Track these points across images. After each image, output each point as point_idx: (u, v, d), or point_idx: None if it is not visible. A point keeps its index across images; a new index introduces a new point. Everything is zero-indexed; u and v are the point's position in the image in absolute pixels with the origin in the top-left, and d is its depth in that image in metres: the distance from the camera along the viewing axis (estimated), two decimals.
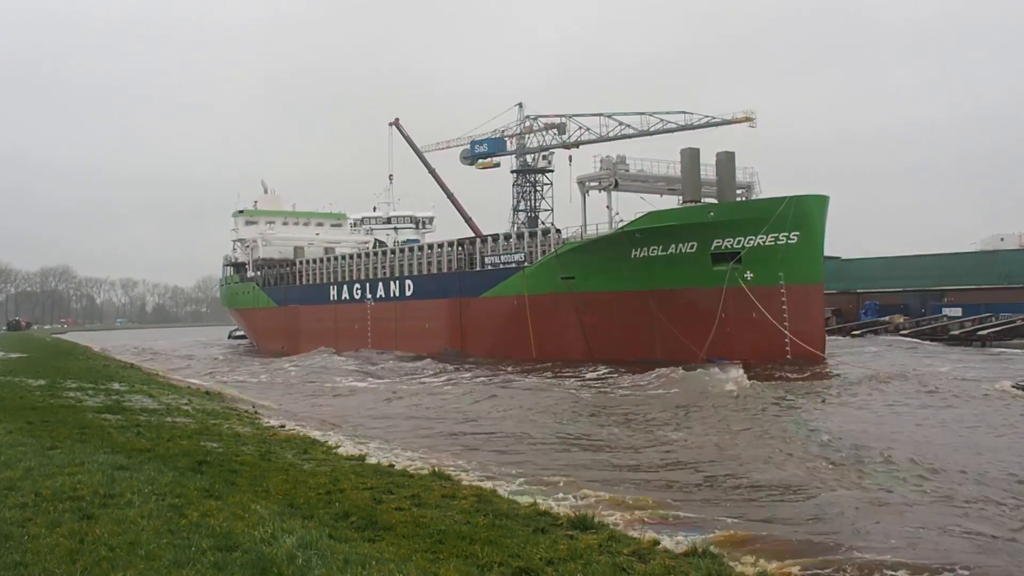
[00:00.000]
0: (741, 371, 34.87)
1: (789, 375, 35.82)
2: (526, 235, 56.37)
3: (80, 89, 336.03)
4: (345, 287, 70.69)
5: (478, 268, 58.09)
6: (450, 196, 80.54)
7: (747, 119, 61.56)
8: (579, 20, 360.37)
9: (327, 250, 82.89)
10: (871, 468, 15.95)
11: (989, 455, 17.46)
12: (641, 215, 46.07)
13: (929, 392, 28.44)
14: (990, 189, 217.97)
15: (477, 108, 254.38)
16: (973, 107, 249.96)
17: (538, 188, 75.87)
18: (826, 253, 45.12)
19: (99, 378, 30.04)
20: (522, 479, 14.87)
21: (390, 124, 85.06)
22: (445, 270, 61.12)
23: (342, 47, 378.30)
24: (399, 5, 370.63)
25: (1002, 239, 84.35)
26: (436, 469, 13.85)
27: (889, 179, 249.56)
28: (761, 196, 51.77)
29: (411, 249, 67.10)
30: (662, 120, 63.25)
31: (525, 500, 11.59)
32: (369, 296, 67.37)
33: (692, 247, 43.25)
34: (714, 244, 42.63)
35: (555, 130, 70.79)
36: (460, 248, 60.87)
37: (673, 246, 43.81)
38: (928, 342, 57.17)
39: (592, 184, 51.61)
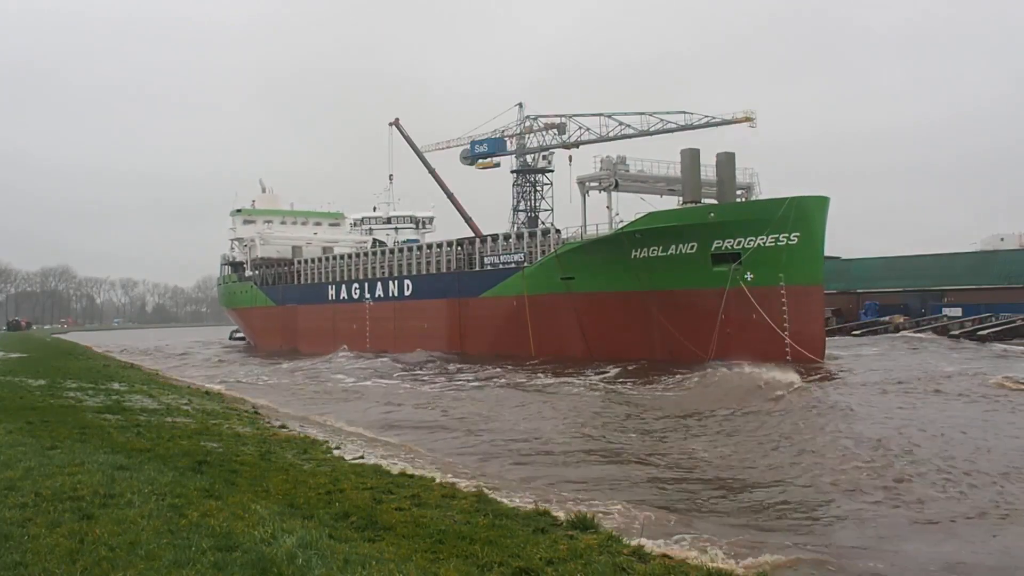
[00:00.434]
0: (795, 374, 33.13)
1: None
2: (526, 235, 56.36)
3: (80, 89, 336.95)
4: (343, 287, 70.66)
5: (477, 268, 58.07)
6: (450, 196, 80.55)
7: (747, 119, 61.50)
8: (578, 20, 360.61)
9: (325, 249, 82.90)
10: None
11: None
12: (641, 215, 46.07)
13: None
14: (989, 189, 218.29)
15: (477, 108, 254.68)
16: (972, 107, 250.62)
17: (538, 188, 75.86)
18: (826, 253, 45.12)
19: (99, 378, 30.04)
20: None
21: (390, 124, 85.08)
22: (444, 270, 61.10)
23: (341, 47, 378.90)
24: (398, 5, 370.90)
25: (1002, 239, 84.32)
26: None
27: (888, 179, 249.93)
28: (761, 197, 51.81)
29: (410, 249, 67.07)
30: (662, 120, 63.22)
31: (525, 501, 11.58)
32: (368, 296, 67.35)
33: (692, 248, 43.25)
34: (714, 245, 42.63)
35: (555, 130, 70.73)
36: (459, 248, 60.85)
37: (673, 247, 43.81)
38: (949, 339, 56.69)
39: (592, 184, 51.63)
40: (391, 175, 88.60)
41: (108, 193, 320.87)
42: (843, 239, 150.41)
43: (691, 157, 47.27)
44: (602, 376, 37.91)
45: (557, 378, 37.51)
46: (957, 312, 67.68)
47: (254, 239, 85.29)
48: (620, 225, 47.69)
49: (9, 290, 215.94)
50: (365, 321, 66.91)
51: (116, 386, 26.87)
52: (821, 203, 41.99)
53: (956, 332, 58.70)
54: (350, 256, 72.79)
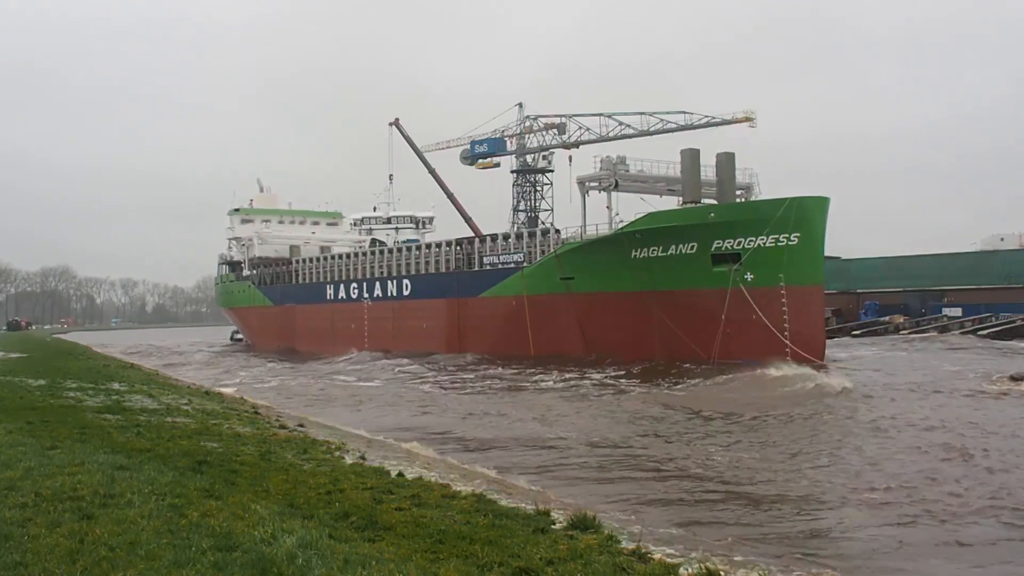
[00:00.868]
0: (845, 378, 32.11)
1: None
2: (525, 235, 56.36)
3: (80, 89, 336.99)
4: (342, 286, 70.66)
5: (476, 268, 58.07)
6: (450, 196, 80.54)
7: (747, 119, 61.50)
8: (578, 20, 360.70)
9: (323, 249, 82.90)
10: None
11: None
12: (641, 216, 46.08)
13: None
14: (989, 189, 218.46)
15: (477, 109, 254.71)
16: (973, 107, 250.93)
17: (538, 188, 75.85)
18: (826, 253, 45.14)
19: (99, 378, 30.04)
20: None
21: (390, 124, 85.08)
22: (443, 270, 61.10)
23: (341, 48, 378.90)
24: (398, 5, 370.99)
25: (1002, 239, 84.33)
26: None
27: (888, 179, 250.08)
28: (760, 197, 51.83)
29: (409, 248, 67.05)
30: (662, 120, 63.23)
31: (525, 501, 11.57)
32: (366, 296, 67.34)
33: (692, 248, 43.25)
34: (714, 245, 42.62)
35: (555, 130, 70.73)
36: (458, 248, 60.84)
37: (673, 247, 43.81)
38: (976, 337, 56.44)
39: (592, 184, 51.63)
40: (391, 175, 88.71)
41: (108, 193, 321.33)
42: (843, 239, 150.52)
43: (691, 157, 47.26)
44: (628, 378, 37.24)
45: (594, 379, 36.92)
46: (957, 312, 67.72)
47: (252, 238, 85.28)
48: (620, 225, 47.70)
49: (9, 290, 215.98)
50: (364, 321, 66.91)
51: (116, 386, 26.87)
52: (821, 203, 41.98)
53: (956, 332, 58.74)
54: (349, 256, 72.77)
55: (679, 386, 33.83)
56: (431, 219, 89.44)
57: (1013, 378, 29.44)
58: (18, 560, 6.92)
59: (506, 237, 57.89)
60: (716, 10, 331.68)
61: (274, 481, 11.29)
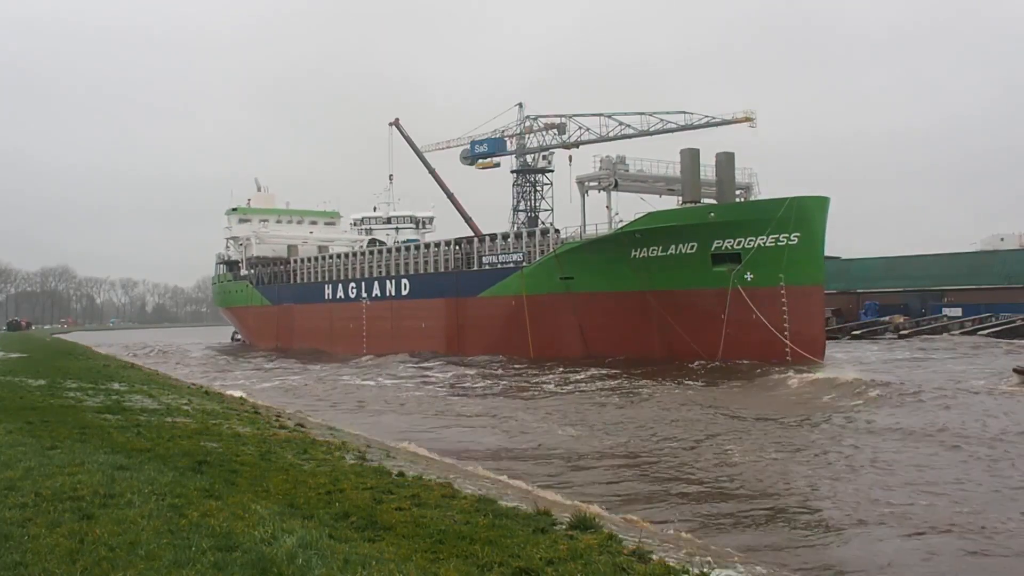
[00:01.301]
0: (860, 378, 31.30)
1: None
2: (524, 235, 56.35)
3: (79, 94, 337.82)
4: (340, 286, 70.62)
5: (476, 268, 58.04)
6: (450, 196, 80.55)
7: (747, 119, 61.50)
8: (578, 21, 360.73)
9: (321, 249, 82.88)
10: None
11: None
12: (641, 215, 46.09)
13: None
14: (988, 190, 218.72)
15: (476, 110, 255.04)
16: (973, 109, 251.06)
17: (538, 188, 75.87)
18: (826, 253, 45.15)
19: (99, 378, 30.01)
20: None
21: (390, 124, 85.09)
22: (442, 269, 61.07)
23: (340, 51, 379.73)
24: (397, 8, 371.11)
25: (1002, 239, 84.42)
26: None
27: (888, 180, 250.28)
28: (760, 197, 51.82)
29: (407, 248, 67.02)
30: (662, 120, 63.23)
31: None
32: (365, 295, 67.31)
33: (692, 248, 43.25)
34: (714, 245, 42.63)
35: (555, 130, 70.74)
36: (457, 247, 60.81)
37: (673, 247, 43.80)
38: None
39: (592, 184, 51.61)
40: (391, 175, 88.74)
41: (109, 195, 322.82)
42: (843, 239, 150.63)
43: (691, 157, 47.26)
44: (640, 378, 36.68)
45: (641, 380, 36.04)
46: (957, 312, 67.75)
47: (249, 238, 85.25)
48: (620, 225, 47.69)
49: (9, 290, 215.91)
50: (362, 321, 66.89)
51: (116, 386, 26.85)
52: (821, 203, 42.00)
53: (956, 332, 58.73)
54: (347, 255, 72.73)
55: (708, 387, 33.40)
56: (431, 219, 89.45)
57: (1016, 371, 29.39)
58: (18, 560, 6.91)
59: (505, 237, 57.87)
60: (715, 12, 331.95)
61: (274, 481, 11.28)
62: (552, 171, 75.75)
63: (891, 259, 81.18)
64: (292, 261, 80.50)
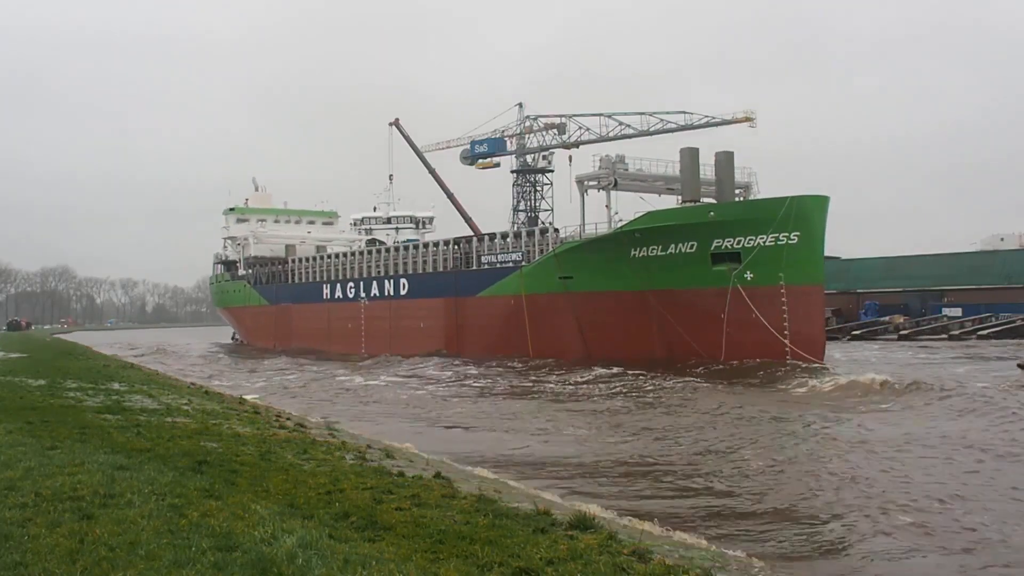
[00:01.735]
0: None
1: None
2: (524, 234, 56.32)
3: (80, 98, 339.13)
4: (338, 286, 70.57)
5: (475, 267, 58.01)
6: (450, 196, 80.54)
7: (747, 119, 61.46)
8: (578, 21, 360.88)
9: (319, 248, 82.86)
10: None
11: None
12: (640, 215, 46.07)
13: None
14: (988, 190, 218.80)
15: (476, 110, 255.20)
16: (974, 112, 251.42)
17: (538, 188, 75.84)
18: (826, 253, 45.14)
19: (99, 378, 30.01)
20: None
21: (390, 124, 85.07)
22: (441, 269, 61.03)
23: (340, 55, 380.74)
24: (397, 10, 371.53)
25: (1002, 239, 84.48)
26: None
27: (888, 181, 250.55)
28: (759, 196, 51.82)
29: (406, 248, 66.97)
30: (662, 120, 63.19)
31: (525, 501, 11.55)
32: (363, 295, 67.26)
33: (692, 247, 43.23)
34: (714, 244, 42.61)
35: (555, 130, 70.71)
36: (456, 247, 60.76)
37: (673, 246, 43.79)
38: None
39: (591, 183, 51.60)
40: (391, 175, 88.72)
41: (109, 198, 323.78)
42: (843, 239, 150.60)
43: (690, 156, 47.26)
44: (647, 378, 35.73)
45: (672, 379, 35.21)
46: (957, 312, 67.77)
47: (247, 238, 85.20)
48: (619, 224, 47.67)
49: (9, 290, 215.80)
50: (360, 320, 66.85)
51: (116, 386, 26.85)
52: (821, 202, 41.99)
53: (956, 332, 58.73)
54: (345, 255, 72.68)
55: (708, 385, 33.17)
56: (431, 219, 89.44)
57: (1021, 366, 29.45)
58: (18, 560, 6.92)
59: (504, 236, 57.85)
60: (716, 15, 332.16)
61: (274, 481, 11.28)
62: (552, 171, 75.76)
63: (891, 259, 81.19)
64: (290, 261, 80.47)
